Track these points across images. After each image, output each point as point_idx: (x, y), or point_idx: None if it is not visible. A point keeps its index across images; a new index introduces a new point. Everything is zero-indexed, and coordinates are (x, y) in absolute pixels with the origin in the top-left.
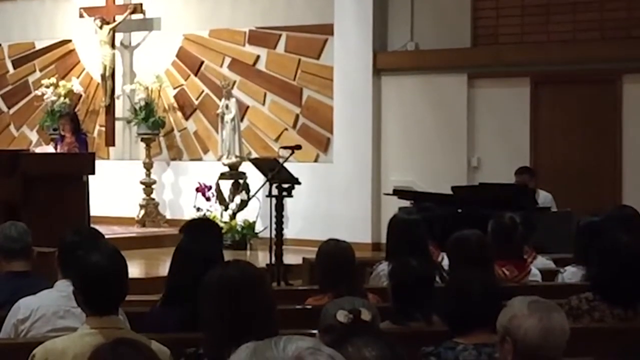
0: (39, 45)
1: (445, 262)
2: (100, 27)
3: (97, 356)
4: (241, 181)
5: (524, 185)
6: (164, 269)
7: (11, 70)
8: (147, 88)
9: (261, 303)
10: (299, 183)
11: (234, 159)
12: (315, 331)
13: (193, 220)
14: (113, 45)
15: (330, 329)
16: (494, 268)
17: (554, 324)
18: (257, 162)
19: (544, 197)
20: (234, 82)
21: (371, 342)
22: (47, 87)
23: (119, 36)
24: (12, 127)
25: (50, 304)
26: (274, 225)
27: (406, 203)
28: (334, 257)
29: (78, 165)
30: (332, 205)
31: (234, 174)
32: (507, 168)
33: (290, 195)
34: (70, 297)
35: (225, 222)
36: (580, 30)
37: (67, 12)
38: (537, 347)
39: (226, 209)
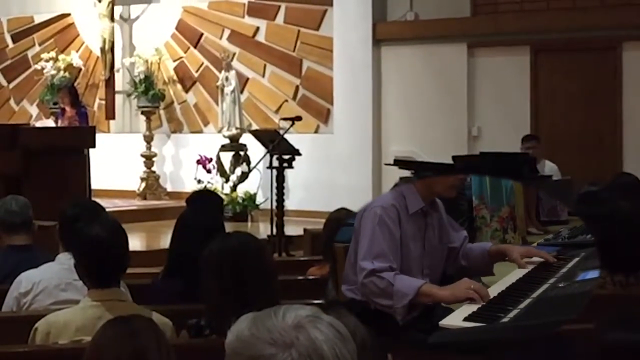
0: (38, 19)
1: None
2: (99, 0)
3: (109, 329)
4: (242, 153)
5: (529, 153)
6: (165, 242)
7: (10, 44)
8: (146, 61)
9: (262, 274)
10: (300, 154)
11: (234, 131)
12: (316, 301)
13: (196, 192)
14: (112, 19)
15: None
16: None
17: None
18: (257, 134)
19: (549, 168)
20: (234, 54)
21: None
22: (47, 61)
23: (118, 9)
24: (12, 102)
25: (52, 277)
26: (274, 197)
27: (407, 173)
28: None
29: (79, 139)
30: (332, 176)
31: (234, 145)
32: (507, 137)
33: (290, 166)
34: (72, 269)
35: (226, 194)
36: None
37: None
38: None
39: (227, 180)
